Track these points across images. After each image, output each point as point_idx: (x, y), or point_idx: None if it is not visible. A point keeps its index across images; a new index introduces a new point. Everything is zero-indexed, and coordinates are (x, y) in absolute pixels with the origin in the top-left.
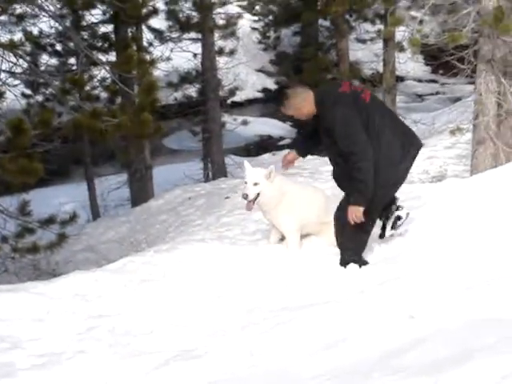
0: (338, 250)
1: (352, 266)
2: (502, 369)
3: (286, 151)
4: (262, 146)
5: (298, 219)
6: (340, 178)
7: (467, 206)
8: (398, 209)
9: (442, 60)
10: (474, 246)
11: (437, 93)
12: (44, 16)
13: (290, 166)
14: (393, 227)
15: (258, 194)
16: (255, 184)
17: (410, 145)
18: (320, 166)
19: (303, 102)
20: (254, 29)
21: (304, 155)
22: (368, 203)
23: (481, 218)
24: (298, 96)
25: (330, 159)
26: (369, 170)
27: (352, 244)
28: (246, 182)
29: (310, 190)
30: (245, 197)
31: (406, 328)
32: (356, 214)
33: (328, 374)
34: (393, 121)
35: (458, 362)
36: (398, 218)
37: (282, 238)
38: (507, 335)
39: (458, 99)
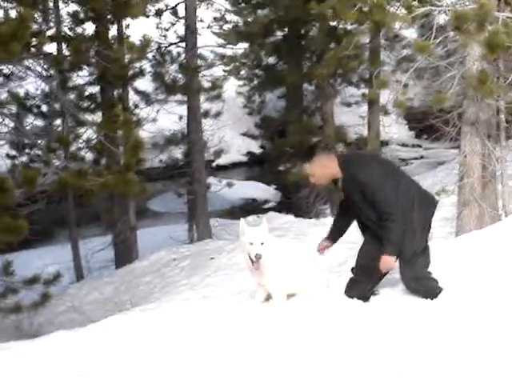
0: (321, 306)
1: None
2: None
3: (272, 214)
4: (246, 209)
5: (285, 278)
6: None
7: (453, 266)
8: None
9: (427, 123)
10: (460, 305)
11: (421, 157)
12: (31, 76)
13: (324, 251)
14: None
15: None
16: (262, 243)
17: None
18: (307, 228)
19: (327, 161)
20: (239, 93)
21: (335, 240)
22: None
23: (466, 278)
24: (326, 155)
25: (360, 223)
26: (400, 224)
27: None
28: (251, 243)
29: (298, 248)
30: (259, 257)
31: None
32: (389, 266)
33: None
34: (413, 184)
35: None
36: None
37: (268, 298)
38: None
39: (441, 163)
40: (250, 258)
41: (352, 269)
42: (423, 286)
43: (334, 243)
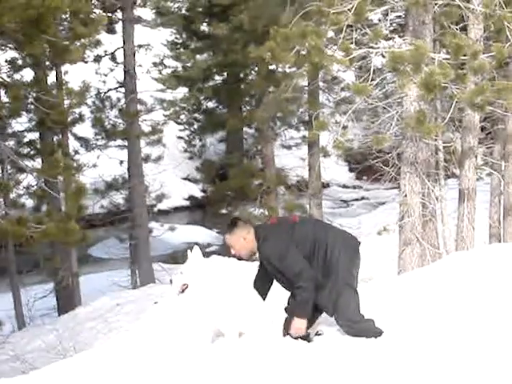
0: (272, 338)
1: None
2: None
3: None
4: None
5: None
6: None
7: (395, 305)
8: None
9: (366, 164)
10: (400, 344)
11: (362, 198)
12: None
13: None
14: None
15: None
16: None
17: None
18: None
19: (248, 234)
20: (179, 137)
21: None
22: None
23: (408, 316)
24: (246, 228)
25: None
26: (309, 292)
27: (358, 314)
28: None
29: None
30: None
31: None
32: (298, 325)
33: None
34: (328, 229)
35: None
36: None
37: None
38: None
39: (382, 203)
40: None
41: (285, 308)
42: (361, 330)
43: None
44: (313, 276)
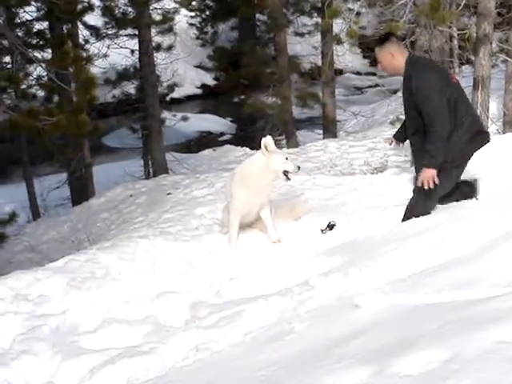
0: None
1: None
2: (445, 353)
3: (228, 146)
4: (202, 142)
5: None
6: (417, 154)
7: (410, 195)
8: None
9: None
10: (417, 234)
11: (375, 85)
12: None
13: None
14: (330, 228)
15: None
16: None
17: (479, 133)
18: None
19: (397, 52)
20: (191, 24)
21: (402, 140)
22: (438, 168)
23: None
24: (397, 46)
25: (409, 133)
26: (442, 136)
27: (417, 212)
28: (287, 158)
29: None
30: (298, 169)
31: (351, 318)
32: (429, 177)
33: (275, 365)
34: (470, 107)
35: (402, 348)
36: (334, 225)
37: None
38: (449, 320)
39: (396, 91)
40: (285, 173)
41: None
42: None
43: (401, 142)
44: (449, 126)
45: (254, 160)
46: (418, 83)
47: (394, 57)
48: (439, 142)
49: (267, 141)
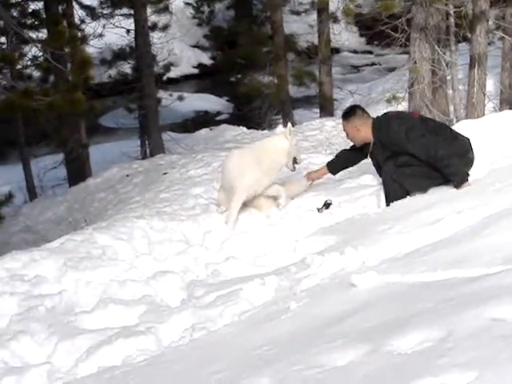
0: (275, 222)
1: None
2: (440, 331)
3: (225, 126)
4: (198, 122)
5: None
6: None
7: None
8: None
9: (376, 30)
10: (413, 213)
11: (372, 64)
12: None
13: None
14: (327, 207)
15: None
16: None
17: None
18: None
19: (362, 125)
20: (187, 3)
21: (336, 172)
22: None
23: None
24: (362, 118)
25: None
26: (449, 155)
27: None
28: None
29: None
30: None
31: (346, 297)
32: (465, 186)
33: (270, 344)
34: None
35: (398, 326)
36: (330, 204)
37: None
38: (444, 298)
39: (392, 69)
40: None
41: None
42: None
43: (332, 174)
44: (446, 143)
45: (274, 141)
46: (395, 136)
47: (360, 130)
48: (452, 160)
49: (290, 126)
